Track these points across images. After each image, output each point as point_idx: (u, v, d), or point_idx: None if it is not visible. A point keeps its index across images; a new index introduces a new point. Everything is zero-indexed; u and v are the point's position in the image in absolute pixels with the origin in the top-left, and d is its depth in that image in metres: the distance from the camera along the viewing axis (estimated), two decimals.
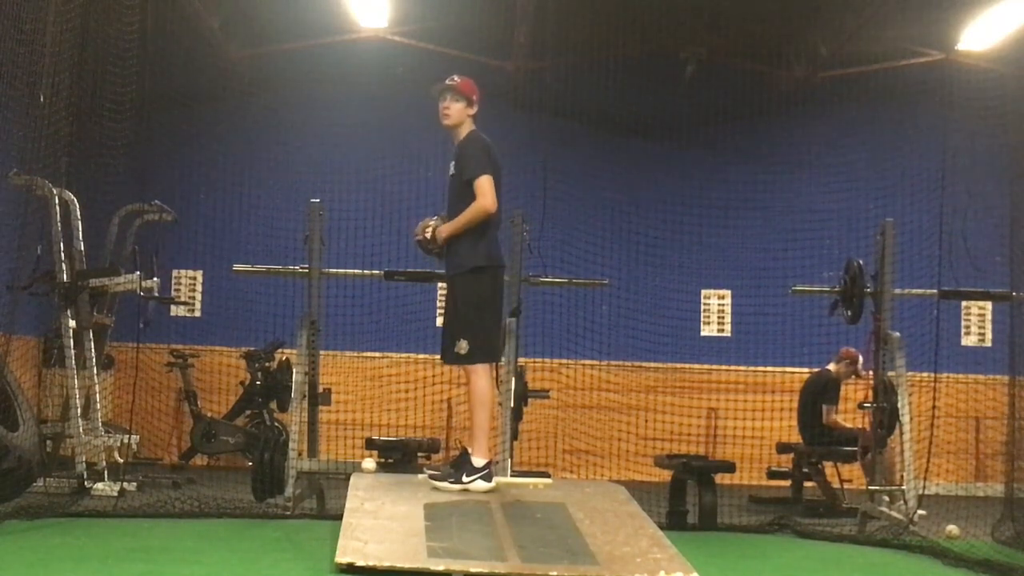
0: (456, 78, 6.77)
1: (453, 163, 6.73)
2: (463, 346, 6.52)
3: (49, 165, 8.01)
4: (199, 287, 13.00)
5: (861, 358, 9.94)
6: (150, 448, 11.65)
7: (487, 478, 6.46)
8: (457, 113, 6.70)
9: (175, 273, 12.65)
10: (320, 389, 8.83)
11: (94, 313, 9.17)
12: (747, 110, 12.69)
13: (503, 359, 8.18)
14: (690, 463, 8.71)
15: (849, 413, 10.47)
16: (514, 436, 8.55)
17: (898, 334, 8.54)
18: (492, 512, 6.01)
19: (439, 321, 12.65)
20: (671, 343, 12.74)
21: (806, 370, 11.07)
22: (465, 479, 6.45)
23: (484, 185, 6.50)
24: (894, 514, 8.04)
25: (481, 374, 6.58)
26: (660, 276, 12.94)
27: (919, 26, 11.74)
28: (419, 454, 9.83)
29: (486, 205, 6.49)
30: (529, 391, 9.48)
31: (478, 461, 6.47)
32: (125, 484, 8.35)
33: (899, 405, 8.32)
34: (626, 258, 12.75)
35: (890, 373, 8.50)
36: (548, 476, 8.72)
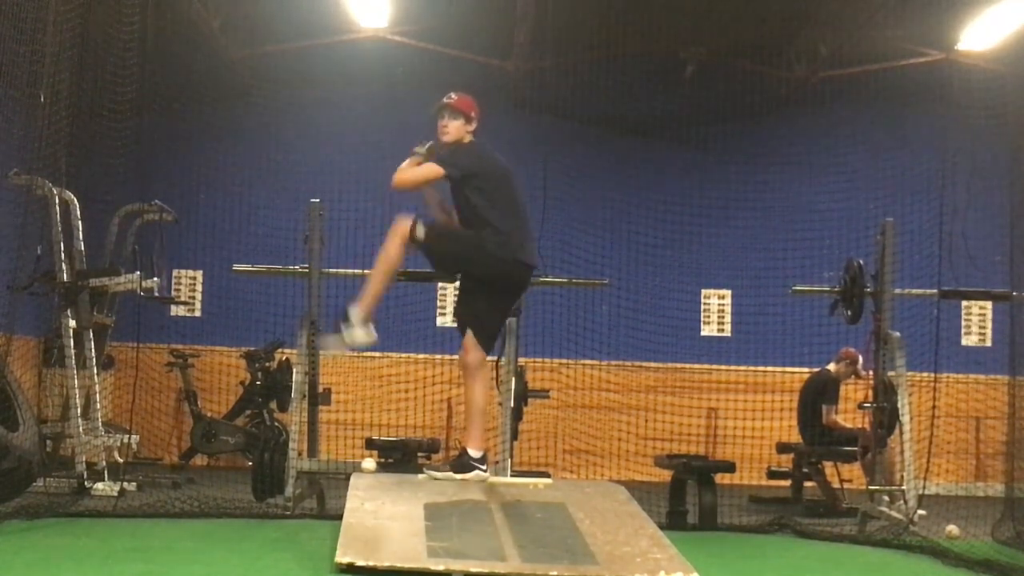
0: (453, 96, 6.74)
1: None
2: None
3: (49, 165, 8.01)
4: (199, 287, 13.00)
5: (861, 358, 9.94)
6: (150, 448, 11.65)
7: None
8: (456, 130, 6.70)
9: (175, 273, 12.64)
10: (320, 389, 8.82)
11: (94, 313, 9.17)
12: (747, 110, 12.69)
13: (503, 359, 8.19)
14: (690, 463, 8.71)
15: (849, 413, 10.47)
16: (514, 436, 8.54)
17: (898, 334, 8.53)
18: (492, 512, 6.01)
19: (439, 321, 12.68)
20: (671, 343, 12.74)
21: (806, 370, 11.06)
22: None
23: (419, 169, 6.59)
24: (894, 514, 8.04)
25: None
26: (660, 276, 12.94)
27: (919, 26, 11.75)
28: (419, 454, 9.83)
29: (395, 178, 6.71)
30: (529, 391, 9.46)
31: None
32: (125, 484, 8.35)
33: (899, 405, 8.31)
34: (626, 258, 12.75)
35: (890, 373, 8.49)
36: (548, 476, 8.72)
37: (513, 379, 8.48)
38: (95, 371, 9.02)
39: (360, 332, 6.54)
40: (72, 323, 8.73)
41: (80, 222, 9.00)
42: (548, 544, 5.53)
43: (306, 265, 8.78)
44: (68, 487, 8.26)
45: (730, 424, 12.36)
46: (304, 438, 8.45)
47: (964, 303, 12.55)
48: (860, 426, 9.85)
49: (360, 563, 5.13)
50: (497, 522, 5.83)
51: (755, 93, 12.62)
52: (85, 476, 8.46)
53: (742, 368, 12.95)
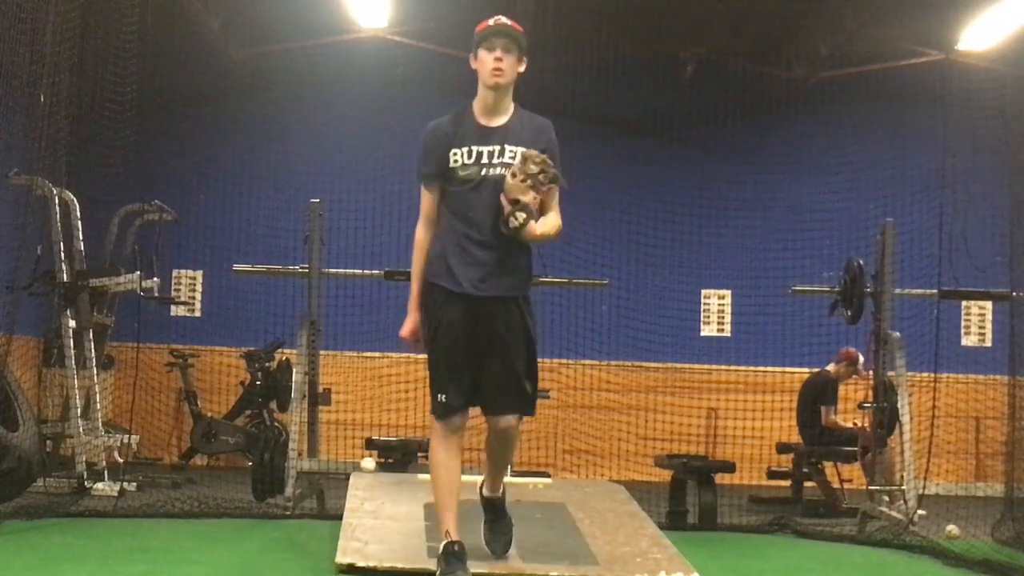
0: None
1: (520, 147, 4.88)
2: (529, 387, 5.17)
3: (49, 165, 8.01)
4: (199, 287, 13.00)
5: (861, 358, 9.93)
6: (150, 448, 11.65)
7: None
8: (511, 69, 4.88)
9: (175, 273, 12.64)
10: (320, 389, 8.83)
11: (94, 313, 9.17)
12: (747, 110, 12.68)
13: None
14: (690, 463, 8.71)
15: (849, 413, 10.46)
16: None
17: (898, 334, 8.54)
18: None
19: None
20: (671, 343, 12.74)
21: (806, 370, 11.06)
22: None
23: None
24: (894, 514, 8.04)
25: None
26: (660, 276, 12.93)
27: (919, 26, 11.74)
28: (419, 454, 9.82)
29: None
30: None
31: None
32: (125, 484, 8.35)
33: (899, 405, 8.32)
34: (626, 258, 12.74)
35: (890, 373, 8.50)
36: (548, 476, 8.72)
37: None
38: (95, 371, 9.02)
39: None
40: (72, 323, 8.73)
41: (80, 222, 9.00)
42: (548, 544, 5.54)
43: (306, 265, 8.78)
44: (68, 487, 8.26)
45: (730, 424, 12.35)
46: (304, 438, 8.46)
47: (964, 303, 12.54)
48: (860, 426, 9.84)
49: (360, 564, 5.14)
50: None
51: (755, 93, 12.62)
52: (85, 476, 8.46)
53: (742, 368, 12.94)
